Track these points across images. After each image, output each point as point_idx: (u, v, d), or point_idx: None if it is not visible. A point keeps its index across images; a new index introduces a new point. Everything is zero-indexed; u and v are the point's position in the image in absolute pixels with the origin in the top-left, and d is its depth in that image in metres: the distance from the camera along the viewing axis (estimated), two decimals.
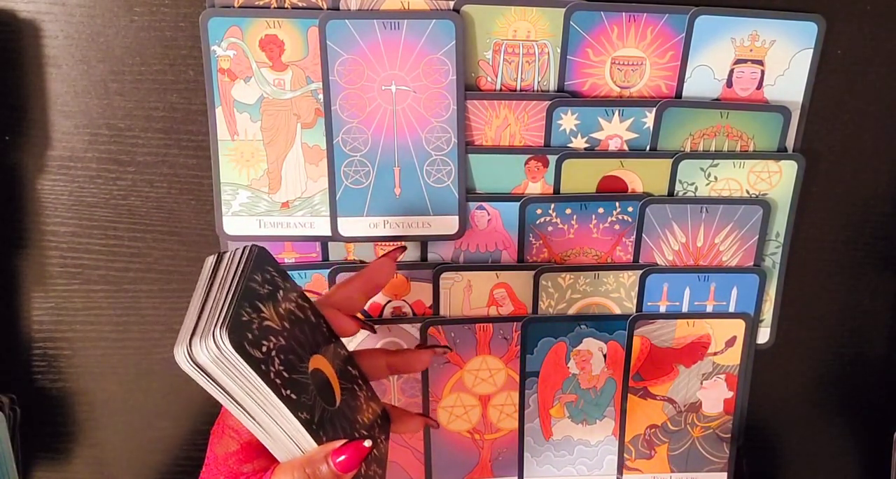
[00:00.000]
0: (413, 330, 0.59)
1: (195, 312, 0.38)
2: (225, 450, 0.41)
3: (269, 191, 0.55)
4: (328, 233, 0.56)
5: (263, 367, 0.38)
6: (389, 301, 0.59)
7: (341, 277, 0.57)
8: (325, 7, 0.52)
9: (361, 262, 0.58)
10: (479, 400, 0.62)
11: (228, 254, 0.42)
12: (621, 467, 0.64)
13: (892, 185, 0.60)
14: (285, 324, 0.41)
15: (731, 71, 0.56)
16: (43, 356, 0.58)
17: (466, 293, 0.59)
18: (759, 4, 0.54)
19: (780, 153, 0.58)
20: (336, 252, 0.58)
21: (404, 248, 0.54)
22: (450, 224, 0.57)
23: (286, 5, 0.52)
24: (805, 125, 0.57)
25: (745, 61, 0.56)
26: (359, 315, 0.50)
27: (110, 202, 0.56)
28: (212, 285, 0.40)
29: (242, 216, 0.56)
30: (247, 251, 0.42)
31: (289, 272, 0.57)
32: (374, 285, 0.51)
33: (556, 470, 0.64)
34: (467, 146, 0.56)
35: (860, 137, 0.59)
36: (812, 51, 0.56)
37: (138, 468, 0.62)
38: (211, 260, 0.42)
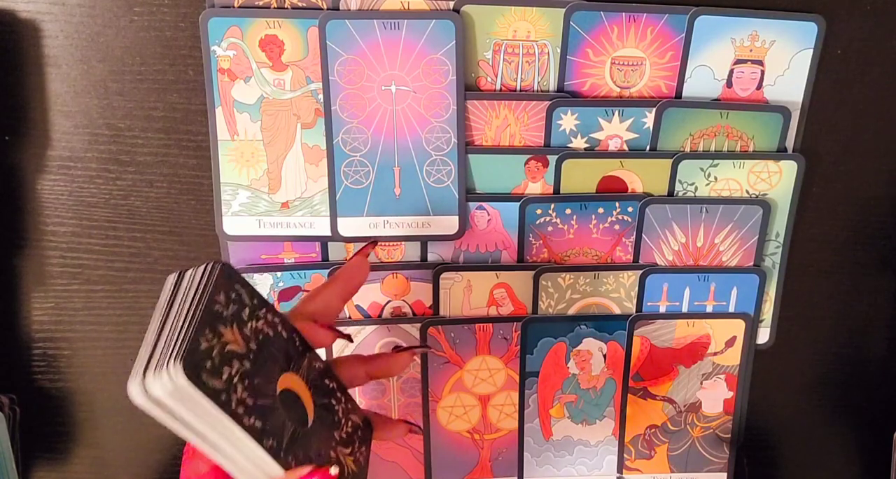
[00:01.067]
0: (413, 330, 0.59)
1: (151, 340, 0.36)
2: (195, 472, 0.40)
3: (268, 191, 0.56)
4: (328, 233, 0.56)
5: (224, 397, 0.36)
6: (389, 301, 0.59)
7: None
8: (325, 7, 0.52)
9: None
10: (478, 400, 0.62)
11: (190, 272, 0.40)
12: (621, 467, 0.64)
13: (892, 185, 0.60)
14: (251, 345, 0.39)
15: (731, 71, 0.56)
16: (43, 356, 0.58)
17: (466, 293, 0.59)
18: (758, 4, 0.54)
19: (780, 153, 0.58)
20: (336, 252, 0.58)
21: (376, 243, 0.53)
22: (450, 224, 0.57)
23: (286, 5, 0.52)
24: (805, 125, 0.58)
25: (744, 61, 0.56)
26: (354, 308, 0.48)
27: (110, 202, 0.56)
28: (170, 308, 0.38)
29: (242, 216, 0.56)
30: (209, 269, 0.39)
31: (290, 272, 0.57)
32: (352, 288, 0.49)
33: (555, 470, 0.64)
34: (467, 146, 0.56)
35: (860, 137, 0.59)
36: (812, 51, 0.56)
37: (138, 468, 0.62)
38: (171, 280, 0.40)
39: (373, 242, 0.52)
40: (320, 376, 0.45)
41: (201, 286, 0.38)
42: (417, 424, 0.55)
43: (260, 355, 0.40)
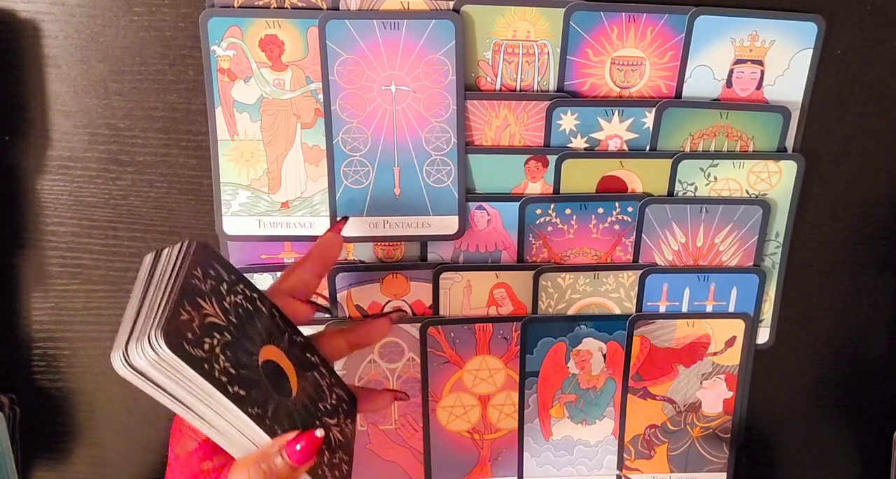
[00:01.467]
0: (413, 330, 0.59)
1: (132, 314, 0.37)
2: (184, 449, 0.40)
3: (268, 191, 0.55)
4: None
5: (206, 366, 0.36)
6: (389, 301, 0.59)
7: (341, 277, 0.57)
8: (324, 7, 0.52)
9: (361, 262, 0.58)
10: (478, 400, 0.62)
11: (166, 251, 0.40)
12: (621, 467, 0.64)
13: (892, 185, 0.60)
14: (231, 318, 0.40)
15: (731, 71, 0.56)
16: (43, 356, 0.58)
17: (466, 293, 0.59)
18: (758, 4, 0.54)
19: (779, 153, 0.58)
20: None
21: (346, 219, 0.54)
22: (450, 224, 0.57)
23: (286, 5, 0.52)
24: (805, 125, 0.57)
25: (744, 61, 0.56)
26: (319, 301, 0.49)
27: (110, 202, 0.56)
28: (149, 285, 0.38)
29: (242, 216, 0.56)
30: (185, 246, 0.40)
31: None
32: (325, 263, 0.50)
33: (555, 470, 0.64)
34: (467, 146, 0.56)
35: (860, 137, 0.59)
36: (812, 51, 0.56)
37: (138, 468, 0.62)
38: (148, 259, 0.40)
39: (343, 218, 0.53)
40: (302, 350, 0.45)
41: (178, 262, 0.39)
42: (403, 392, 0.55)
43: (240, 328, 0.40)
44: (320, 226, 0.56)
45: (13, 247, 0.56)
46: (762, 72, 0.56)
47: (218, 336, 0.38)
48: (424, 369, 0.60)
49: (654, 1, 0.54)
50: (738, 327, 0.61)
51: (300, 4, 0.52)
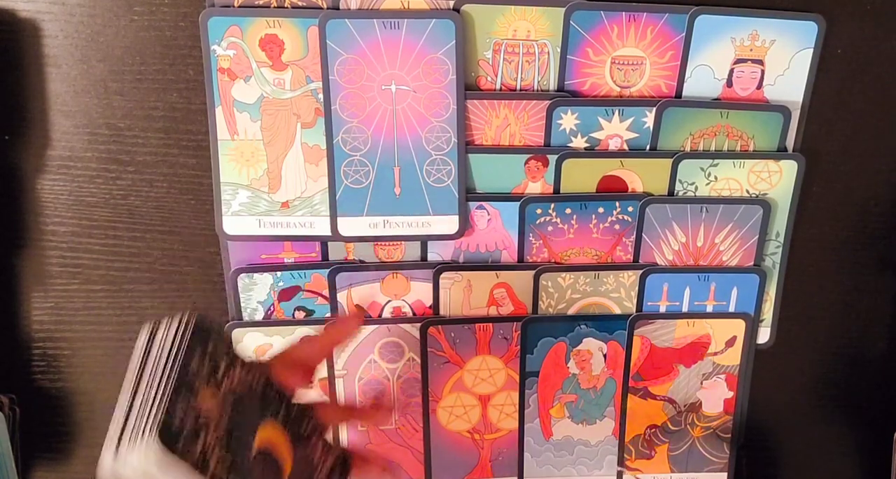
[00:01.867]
0: (413, 330, 0.59)
1: (124, 407, 0.36)
2: None
3: (268, 190, 0.55)
4: (328, 233, 0.56)
5: (200, 464, 0.36)
6: (389, 301, 0.59)
7: (341, 277, 0.57)
8: (324, 6, 0.52)
9: (361, 261, 0.58)
10: (478, 400, 0.62)
11: (163, 329, 0.39)
12: (622, 464, 0.64)
13: (892, 185, 0.60)
14: (227, 406, 0.39)
15: (731, 70, 0.56)
16: (43, 356, 0.58)
17: (466, 293, 0.59)
18: (758, 4, 0.54)
19: (780, 153, 0.58)
20: (336, 252, 0.58)
21: (364, 310, 0.55)
22: (450, 224, 0.57)
23: (286, 5, 0.52)
24: (805, 125, 0.57)
25: (745, 61, 0.56)
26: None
27: (110, 202, 0.56)
28: (143, 371, 0.37)
29: (242, 216, 0.56)
30: (183, 322, 0.39)
31: (290, 272, 0.57)
32: (336, 345, 0.51)
33: (556, 470, 0.64)
34: (467, 146, 0.56)
35: (860, 137, 0.59)
36: (812, 50, 0.56)
37: None
38: (145, 335, 0.39)
39: (361, 308, 0.54)
40: (298, 418, 0.45)
41: (175, 346, 0.38)
42: (397, 464, 0.55)
43: (235, 414, 0.39)
44: (320, 226, 0.56)
45: (13, 247, 0.56)
46: (762, 71, 0.56)
47: (213, 430, 0.37)
48: (425, 369, 0.60)
49: (654, 0, 0.54)
50: (738, 327, 0.61)
51: (300, 4, 0.52)
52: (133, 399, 0.36)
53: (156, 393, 0.36)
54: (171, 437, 0.35)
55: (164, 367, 0.37)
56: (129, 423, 0.35)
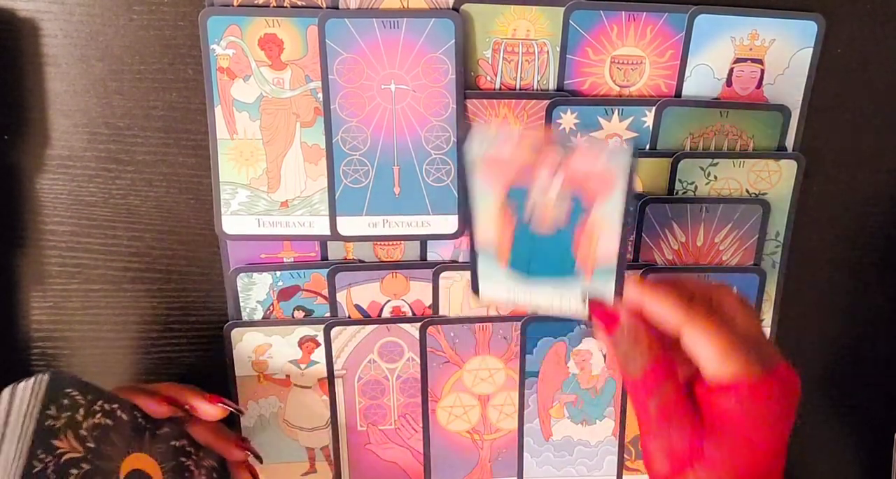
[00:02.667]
0: (412, 330, 0.59)
1: None
2: None
3: (268, 190, 0.55)
4: (327, 232, 0.56)
5: None
6: (389, 301, 0.59)
7: (341, 276, 0.57)
8: (324, 6, 0.52)
9: (360, 261, 0.58)
10: (478, 400, 0.61)
11: (20, 391, 0.42)
12: (621, 467, 0.64)
13: (892, 185, 0.60)
14: (89, 444, 0.43)
15: (731, 70, 0.56)
16: (42, 356, 0.58)
17: (466, 293, 0.59)
18: (758, 3, 0.54)
19: (779, 153, 0.58)
20: (335, 251, 0.58)
21: (224, 401, 0.54)
22: (449, 223, 0.57)
23: (285, 4, 0.52)
24: (805, 125, 0.57)
25: (744, 60, 0.56)
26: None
27: (109, 201, 0.56)
28: (4, 433, 0.41)
29: (241, 215, 0.56)
30: (37, 383, 0.43)
31: (290, 271, 0.57)
32: (180, 402, 0.52)
33: (555, 471, 0.63)
34: None
35: (860, 136, 0.59)
36: (812, 50, 0.56)
37: None
38: (6, 398, 0.42)
39: (223, 402, 0.53)
40: (166, 440, 0.49)
41: (31, 405, 0.42)
42: (249, 447, 0.55)
43: (100, 451, 0.43)
44: (320, 225, 0.56)
45: (12, 246, 0.56)
46: (762, 71, 0.56)
47: (76, 471, 0.41)
48: (424, 369, 0.60)
49: (654, 0, 0.54)
50: None
51: (300, 3, 0.52)
52: None
53: (16, 451, 0.40)
54: None
55: (23, 426, 0.41)
56: None
